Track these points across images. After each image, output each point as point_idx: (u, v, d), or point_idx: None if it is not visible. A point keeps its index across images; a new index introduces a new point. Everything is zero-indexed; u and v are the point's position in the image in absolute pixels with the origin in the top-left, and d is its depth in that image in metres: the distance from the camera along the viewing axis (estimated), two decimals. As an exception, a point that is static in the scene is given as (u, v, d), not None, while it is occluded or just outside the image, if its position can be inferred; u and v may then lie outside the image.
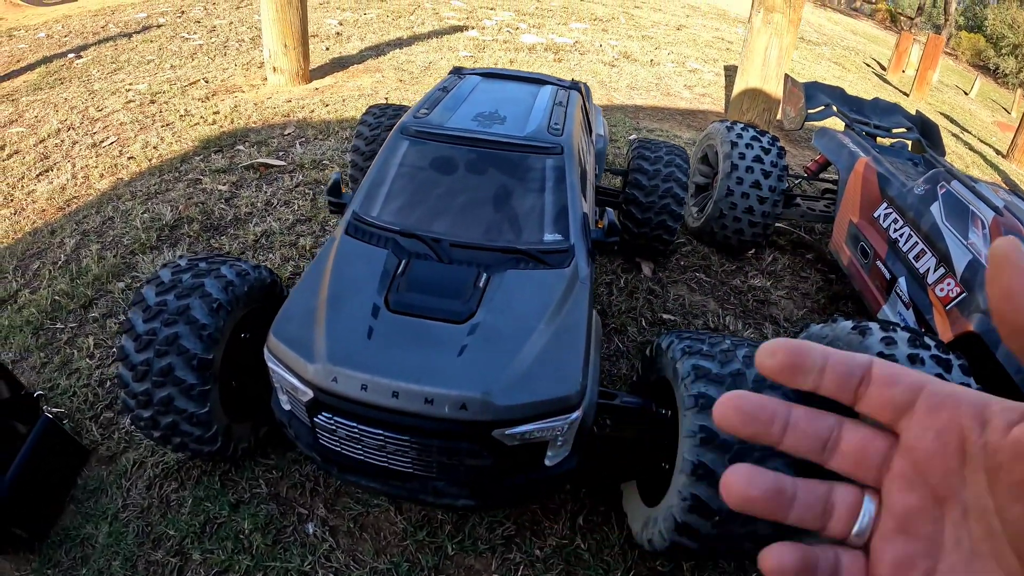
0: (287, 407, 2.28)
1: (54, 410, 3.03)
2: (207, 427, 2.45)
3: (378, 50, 9.12)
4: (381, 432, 2.00)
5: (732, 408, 0.44)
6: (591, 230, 2.70)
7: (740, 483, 0.42)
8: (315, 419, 2.08)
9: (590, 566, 2.54)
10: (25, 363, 3.43)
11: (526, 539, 2.62)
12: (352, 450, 2.12)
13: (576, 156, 2.83)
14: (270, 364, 2.17)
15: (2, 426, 2.57)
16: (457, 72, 3.75)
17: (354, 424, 2.01)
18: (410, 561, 2.51)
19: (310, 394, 2.03)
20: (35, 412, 2.70)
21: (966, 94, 15.55)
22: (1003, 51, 19.86)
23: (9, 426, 2.60)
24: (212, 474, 2.79)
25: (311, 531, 2.61)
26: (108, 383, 3.26)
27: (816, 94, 5.21)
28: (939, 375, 2.05)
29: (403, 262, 2.41)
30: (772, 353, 0.43)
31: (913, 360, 2.10)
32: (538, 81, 3.71)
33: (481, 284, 2.32)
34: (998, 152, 10.44)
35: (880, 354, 2.13)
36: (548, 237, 2.55)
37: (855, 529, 0.42)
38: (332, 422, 2.05)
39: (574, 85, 3.68)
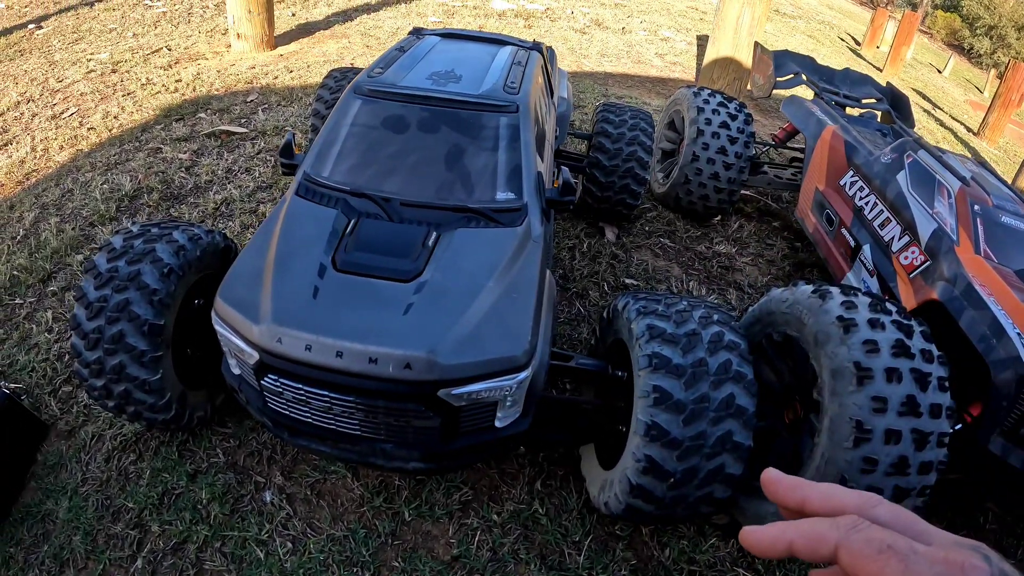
0: (237, 371, 2.24)
1: (12, 386, 2.96)
2: (160, 395, 2.41)
3: (345, 15, 8.94)
4: (327, 393, 1.97)
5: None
6: (546, 189, 2.66)
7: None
8: (263, 382, 2.05)
9: (548, 531, 2.54)
10: (-17, 341, 3.35)
11: (484, 504, 2.61)
12: (301, 413, 2.09)
13: (532, 115, 2.78)
14: (217, 327, 2.13)
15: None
16: (416, 33, 3.67)
17: (300, 386, 1.98)
18: (367, 527, 2.50)
19: (256, 356, 2.00)
20: (-8, 389, 2.63)
21: (940, 72, 15.60)
22: (978, 31, 19.90)
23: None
24: (170, 444, 2.75)
25: (268, 499, 2.58)
26: (66, 356, 3.19)
27: (786, 62, 5.17)
28: (900, 340, 2.04)
29: (352, 222, 2.36)
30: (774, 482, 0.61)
31: (874, 325, 2.07)
32: (498, 42, 3.64)
33: (430, 243, 2.29)
34: (969, 130, 10.53)
35: (840, 318, 2.11)
36: (500, 195, 2.51)
37: None
38: (279, 384, 2.01)
39: (535, 46, 3.62)
